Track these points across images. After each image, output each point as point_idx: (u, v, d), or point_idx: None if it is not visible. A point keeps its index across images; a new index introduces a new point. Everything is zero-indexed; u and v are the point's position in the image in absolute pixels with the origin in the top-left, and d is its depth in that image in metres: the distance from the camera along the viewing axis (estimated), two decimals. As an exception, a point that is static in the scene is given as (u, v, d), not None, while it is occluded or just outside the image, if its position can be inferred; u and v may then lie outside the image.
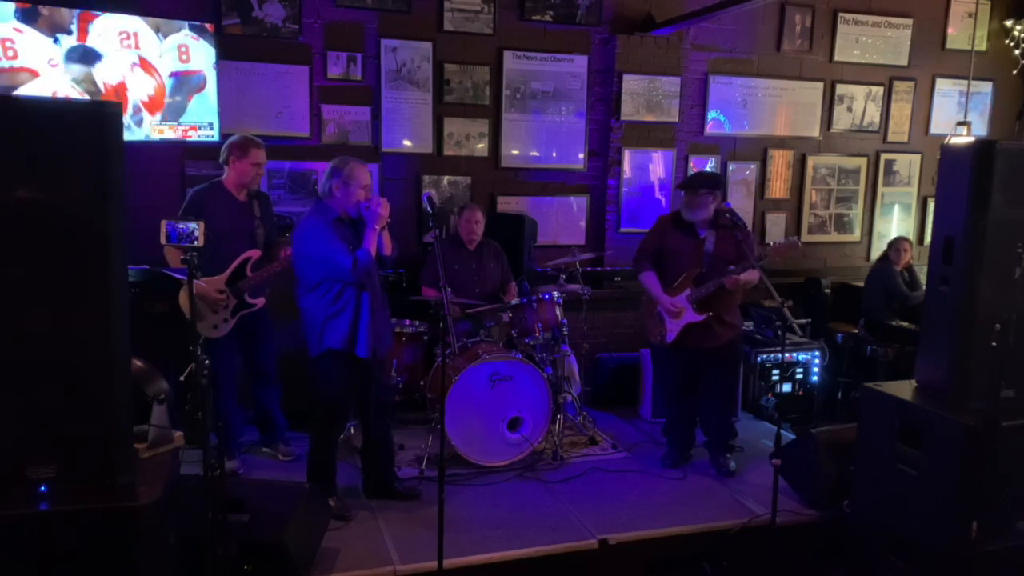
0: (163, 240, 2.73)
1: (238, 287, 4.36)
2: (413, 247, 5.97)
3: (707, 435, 4.92)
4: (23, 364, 2.58)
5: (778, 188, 7.06)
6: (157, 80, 5.02)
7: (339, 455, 4.84)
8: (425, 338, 5.16)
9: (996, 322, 3.09)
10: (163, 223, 2.73)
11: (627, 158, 6.45)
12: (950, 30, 7.36)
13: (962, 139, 5.22)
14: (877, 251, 7.31)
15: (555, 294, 5.11)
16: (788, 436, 4.86)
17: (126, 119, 4.81)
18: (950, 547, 3.23)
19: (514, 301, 5.14)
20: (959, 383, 3.33)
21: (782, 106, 6.93)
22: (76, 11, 4.64)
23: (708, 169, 6.71)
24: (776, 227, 7.09)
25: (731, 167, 6.88)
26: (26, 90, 4.53)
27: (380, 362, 4.12)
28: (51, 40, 4.62)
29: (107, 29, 4.79)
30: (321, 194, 3.97)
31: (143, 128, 5.01)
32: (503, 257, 5.58)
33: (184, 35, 5.09)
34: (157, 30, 4.97)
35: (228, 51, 5.42)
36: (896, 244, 6.49)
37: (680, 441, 4.89)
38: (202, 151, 5.48)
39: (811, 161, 7.14)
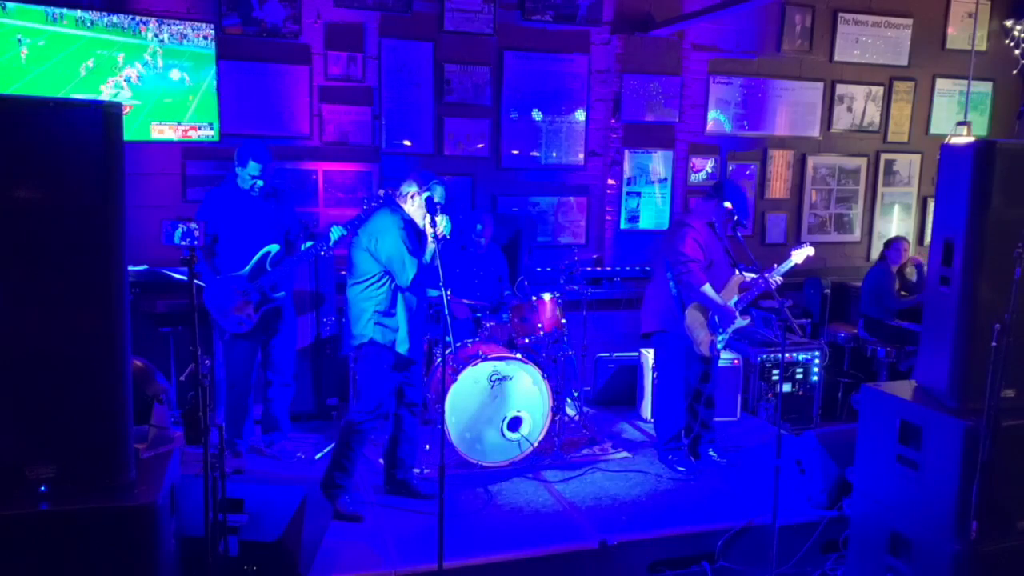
0: (163, 240, 2.73)
1: (259, 282, 4.43)
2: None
3: (710, 430, 4.95)
4: (23, 364, 2.59)
5: (778, 188, 7.06)
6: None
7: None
8: (425, 338, 5.15)
9: (996, 322, 3.09)
10: (163, 223, 2.73)
11: (627, 158, 6.45)
12: (950, 30, 7.37)
13: (962, 139, 5.22)
14: (877, 251, 7.31)
15: (555, 294, 5.11)
16: (788, 436, 4.86)
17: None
18: (950, 547, 3.23)
19: (514, 301, 5.15)
20: (959, 383, 3.32)
21: (782, 106, 6.94)
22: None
23: (709, 170, 6.72)
24: (776, 227, 7.09)
25: (731, 167, 6.88)
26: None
27: (415, 362, 4.23)
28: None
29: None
30: (397, 196, 4.09)
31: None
32: (502, 257, 5.58)
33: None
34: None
35: (228, 51, 5.42)
36: (894, 245, 6.47)
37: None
38: (202, 151, 5.50)
39: (811, 161, 7.14)
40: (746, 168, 6.93)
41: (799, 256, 4.74)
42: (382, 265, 3.97)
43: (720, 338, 4.63)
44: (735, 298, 4.61)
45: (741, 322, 4.62)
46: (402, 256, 3.93)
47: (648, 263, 6.60)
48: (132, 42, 4.98)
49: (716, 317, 4.58)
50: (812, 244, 4.85)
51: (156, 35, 5.03)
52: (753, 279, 4.61)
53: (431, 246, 3.94)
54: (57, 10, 4.69)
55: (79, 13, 4.76)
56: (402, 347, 4.06)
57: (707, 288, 4.50)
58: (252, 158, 4.41)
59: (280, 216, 4.59)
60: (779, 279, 4.64)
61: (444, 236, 3.97)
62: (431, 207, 3.86)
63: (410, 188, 4.02)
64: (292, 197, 5.02)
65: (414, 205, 4.00)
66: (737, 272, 4.62)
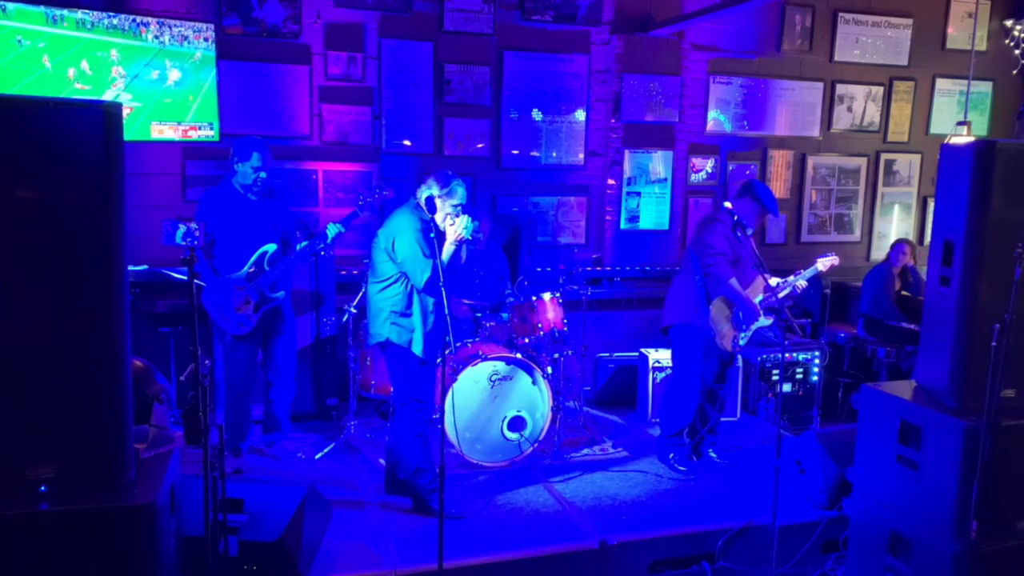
0: (164, 240, 2.74)
1: (258, 282, 4.42)
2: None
3: (715, 432, 4.96)
4: (23, 364, 2.59)
5: (778, 188, 7.06)
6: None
7: (345, 452, 4.88)
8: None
9: (996, 322, 3.09)
10: (163, 223, 2.73)
11: (627, 158, 6.46)
12: (950, 30, 7.37)
13: (962, 139, 5.21)
14: (877, 251, 7.32)
15: (555, 294, 5.11)
16: (788, 436, 4.86)
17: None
18: (950, 547, 3.23)
19: (512, 300, 5.15)
20: (959, 383, 3.32)
21: (782, 106, 6.94)
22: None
23: (709, 170, 6.72)
24: (776, 227, 7.09)
25: (731, 167, 6.88)
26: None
27: (429, 363, 4.17)
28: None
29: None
30: (417, 198, 4.04)
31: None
32: (502, 257, 5.59)
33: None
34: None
35: (228, 51, 5.42)
36: (895, 246, 6.48)
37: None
38: (202, 151, 5.50)
39: (811, 161, 7.14)
40: (746, 168, 6.93)
41: (824, 264, 4.83)
42: (398, 266, 3.96)
43: (743, 335, 4.64)
44: (760, 297, 4.62)
45: (764, 321, 4.63)
46: (416, 258, 3.89)
47: (648, 263, 6.60)
48: (132, 44, 4.97)
49: (740, 312, 4.59)
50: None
51: (157, 36, 5.03)
52: (779, 283, 4.62)
53: (448, 248, 3.92)
54: (57, 12, 4.69)
55: (79, 15, 4.76)
56: (416, 348, 4.03)
57: (734, 282, 4.51)
58: (254, 149, 4.42)
59: (277, 216, 4.58)
60: (803, 283, 4.70)
61: (464, 238, 3.94)
62: (431, 206, 3.85)
63: (430, 190, 3.97)
64: (288, 197, 5.01)
65: (433, 207, 3.98)
66: (761, 276, 4.61)
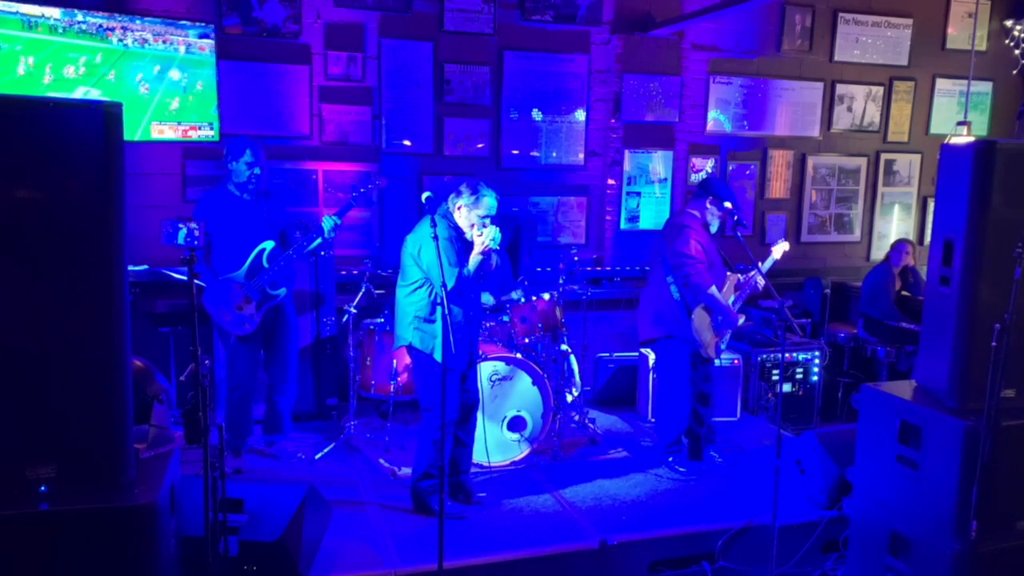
0: (164, 240, 2.74)
1: (258, 280, 4.42)
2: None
3: (711, 430, 4.97)
4: (24, 364, 2.59)
5: (778, 188, 7.06)
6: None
7: (345, 452, 4.88)
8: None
9: (996, 322, 3.09)
10: (163, 223, 2.74)
11: (627, 158, 6.46)
12: (950, 30, 7.37)
13: (962, 139, 5.21)
14: (877, 251, 7.32)
15: (555, 294, 5.11)
16: (788, 436, 4.86)
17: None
18: (950, 547, 3.23)
19: (515, 297, 5.14)
20: (959, 383, 3.32)
21: (782, 106, 6.93)
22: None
23: (709, 170, 6.73)
24: (776, 227, 7.09)
25: (731, 167, 6.88)
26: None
27: (452, 370, 4.08)
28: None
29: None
30: (447, 204, 4.05)
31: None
32: (503, 255, 5.59)
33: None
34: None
35: (228, 51, 5.43)
36: (896, 246, 6.49)
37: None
38: (202, 151, 5.50)
39: (811, 161, 7.14)
40: (746, 168, 6.93)
41: (778, 252, 4.90)
42: (424, 272, 3.96)
43: (724, 339, 4.65)
44: (732, 297, 4.62)
45: (739, 321, 4.64)
46: (439, 266, 3.84)
47: (648, 263, 6.60)
48: (108, 47, 4.92)
49: (719, 318, 4.58)
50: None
51: (121, 40, 4.94)
52: (746, 278, 4.65)
53: (475, 258, 3.92)
54: (33, 18, 4.64)
55: (52, 21, 4.69)
56: (438, 355, 3.97)
57: (714, 289, 4.47)
58: (246, 146, 4.42)
59: (274, 215, 4.58)
60: (763, 277, 4.71)
61: (492, 248, 3.93)
62: (431, 206, 3.84)
63: (458, 200, 3.99)
64: (285, 197, 5.00)
65: (461, 216, 3.98)
66: (730, 273, 4.65)
